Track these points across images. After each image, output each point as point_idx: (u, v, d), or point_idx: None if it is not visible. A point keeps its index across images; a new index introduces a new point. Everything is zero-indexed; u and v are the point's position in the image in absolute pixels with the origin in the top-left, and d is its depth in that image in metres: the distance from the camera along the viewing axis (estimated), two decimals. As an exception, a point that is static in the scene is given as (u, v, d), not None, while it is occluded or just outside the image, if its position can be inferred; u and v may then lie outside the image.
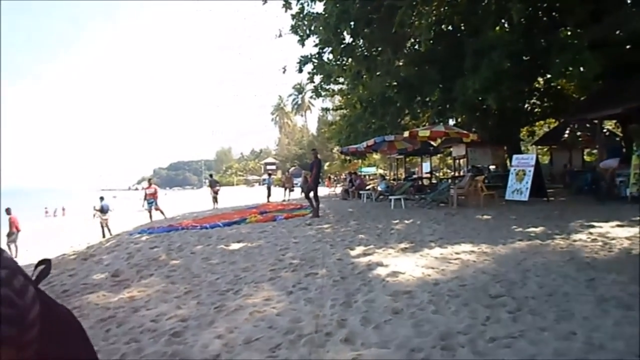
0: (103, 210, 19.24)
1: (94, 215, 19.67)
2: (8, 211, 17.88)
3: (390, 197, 16.42)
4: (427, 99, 19.27)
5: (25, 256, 16.56)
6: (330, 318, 4.48)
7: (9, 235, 17.46)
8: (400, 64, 18.38)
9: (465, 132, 16.13)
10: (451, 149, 26.74)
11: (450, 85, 15.40)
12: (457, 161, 28.36)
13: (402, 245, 7.94)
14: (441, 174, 39.03)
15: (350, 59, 18.13)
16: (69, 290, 7.31)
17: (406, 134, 15.49)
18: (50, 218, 44.18)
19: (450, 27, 17.56)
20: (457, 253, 7.01)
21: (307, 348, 3.85)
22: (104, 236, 18.19)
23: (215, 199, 23.35)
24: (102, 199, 19.96)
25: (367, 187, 22.91)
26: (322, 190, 24.96)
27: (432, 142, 24.77)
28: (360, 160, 33.33)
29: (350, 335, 4.01)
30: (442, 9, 15.69)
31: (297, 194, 27.52)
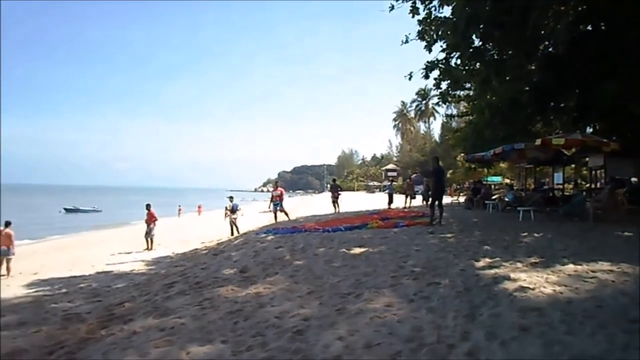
0: (232, 210, 20.36)
1: (225, 215, 20.86)
2: (148, 207, 19.62)
3: (518, 208, 15.63)
4: (562, 105, 18.05)
5: (160, 250, 18.04)
6: (453, 329, 4.38)
7: (149, 229, 19.14)
8: (533, 67, 17.46)
9: (605, 140, 14.89)
10: (587, 159, 24.80)
11: (588, 90, 14.34)
12: (594, 172, 26.28)
13: (532, 260, 7.50)
14: (575, 185, 36.41)
15: (479, 64, 17.54)
16: (202, 282, 7.86)
17: (538, 142, 14.63)
18: (185, 215, 47.69)
19: (589, 28, 16.35)
20: (593, 271, 6.47)
21: (428, 357, 3.81)
22: (232, 234, 19.25)
23: (336, 203, 23.63)
24: (231, 199, 21.14)
25: (493, 197, 22.00)
26: (444, 199, 24.38)
27: (566, 151, 23.20)
28: (485, 169, 32.08)
29: (474, 349, 3.89)
30: (579, 9, 14.65)
31: (419, 201, 27.14)
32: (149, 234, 19.20)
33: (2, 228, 15.04)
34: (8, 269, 14.58)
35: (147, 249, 18.62)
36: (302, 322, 4.91)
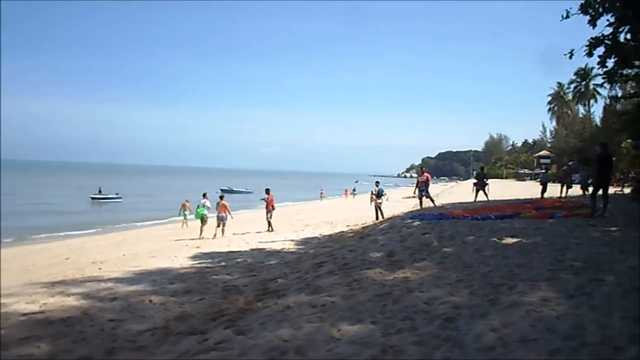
0: (378, 194, 20.57)
1: (371, 199, 21.15)
2: (267, 191, 20.73)
3: (698, 201, 13.84)
4: None
5: (307, 231, 18.81)
6: (619, 331, 4.00)
7: (268, 211, 20.24)
8: None
9: None
10: None
11: None
12: None
13: None
14: None
15: (653, 38, 15.68)
16: (349, 264, 8.09)
17: None
18: (328, 199, 49.64)
19: None
20: None
21: (590, 358, 3.55)
22: (377, 218, 19.49)
23: (484, 192, 22.61)
24: (377, 183, 21.35)
25: (666, 188, 19.68)
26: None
27: None
28: (656, 157, 28.84)
29: (646, 355, 3.55)
30: None
31: (576, 190, 25.19)
32: (269, 217, 20.23)
33: (219, 200, 19.84)
34: (223, 231, 19.14)
35: (269, 230, 19.60)
36: (452, 309, 4.82)
